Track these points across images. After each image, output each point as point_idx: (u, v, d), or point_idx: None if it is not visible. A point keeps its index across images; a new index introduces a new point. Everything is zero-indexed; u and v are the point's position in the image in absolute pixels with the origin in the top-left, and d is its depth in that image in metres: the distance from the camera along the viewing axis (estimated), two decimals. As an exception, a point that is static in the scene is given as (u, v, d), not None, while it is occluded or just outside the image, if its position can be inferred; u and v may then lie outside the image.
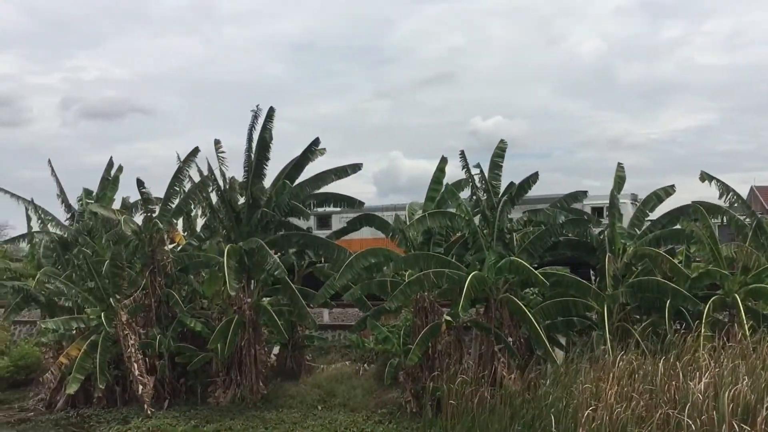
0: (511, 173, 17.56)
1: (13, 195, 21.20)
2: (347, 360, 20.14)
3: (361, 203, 19.48)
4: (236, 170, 18.81)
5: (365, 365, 19.55)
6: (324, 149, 18.84)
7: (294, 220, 19.48)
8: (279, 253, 18.20)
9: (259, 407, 17.51)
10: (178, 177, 19.60)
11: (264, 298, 18.65)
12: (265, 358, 18.73)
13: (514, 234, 17.29)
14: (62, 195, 21.60)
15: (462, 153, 17.03)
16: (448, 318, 16.25)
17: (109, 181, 21.50)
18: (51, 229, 20.96)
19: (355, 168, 18.88)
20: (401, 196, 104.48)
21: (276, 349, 20.20)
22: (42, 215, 21.28)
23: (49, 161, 21.39)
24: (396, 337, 17.75)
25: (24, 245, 24.09)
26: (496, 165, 17.55)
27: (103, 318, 18.24)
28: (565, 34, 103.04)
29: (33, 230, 21.23)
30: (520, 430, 13.30)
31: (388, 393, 17.74)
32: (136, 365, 17.89)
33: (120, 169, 21.69)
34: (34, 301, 20.36)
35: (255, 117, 18.20)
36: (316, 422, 16.28)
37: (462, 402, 14.45)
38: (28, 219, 21.05)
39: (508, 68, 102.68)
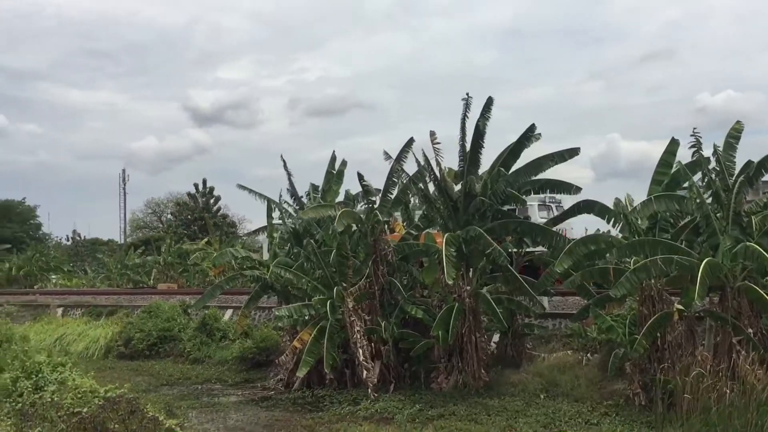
0: (746, 152, 16.12)
1: (260, 195, 22.95)
2: (569, 349, 19.66)
3: (579, 189, 18.88)
4: (451, 160, 19.13)
5: (588, 355, 18.98)
6: (539, 134, 18.46)
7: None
8: (497, 241, 18.18)
9: (482, 394, 17.63)
10: (395, 169, 20.27)
11: (483, 287, 18.76)
12: (486, 345, 18.82)
13: (752, 217, 15.89)
14: (293, 189, 23.14)
15: (694, 132, 15.99)
16: (680, 307, 15.31)
17: (334, 174, 22.68)
18: (287, 221, 22.47)
19: (573, 152, 18.32)
20: (620, 180, 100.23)
21: (496, 337, 20.25)
22: (281, 210, 22.83)
23: (282, 157, 22.97)
24: (621, 326, 17.03)
25: (261, 237, 26.18)
26: (730, 146, 16.17)
27: (329, 305, 19.29)
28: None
29: (273, 223, 22.77)
30: None
31: (613, 384, 17.09)
32: (361, 350, 18.73)
33: (344, 163, 22.81)
34: (271, 288, 22.19)
35: (466, 106, 18.31)
36: (539, 411, 16.05)
37: (698, 396, 13.57)
38: (269, 213, 22.66)
39: (736, 39, 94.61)
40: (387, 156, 20.05)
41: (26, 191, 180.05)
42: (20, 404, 12.63)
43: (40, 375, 14.10)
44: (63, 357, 17.22)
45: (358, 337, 18.84)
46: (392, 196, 20.64)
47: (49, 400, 12.25)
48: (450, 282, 17.09)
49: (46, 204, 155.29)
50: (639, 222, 16.88)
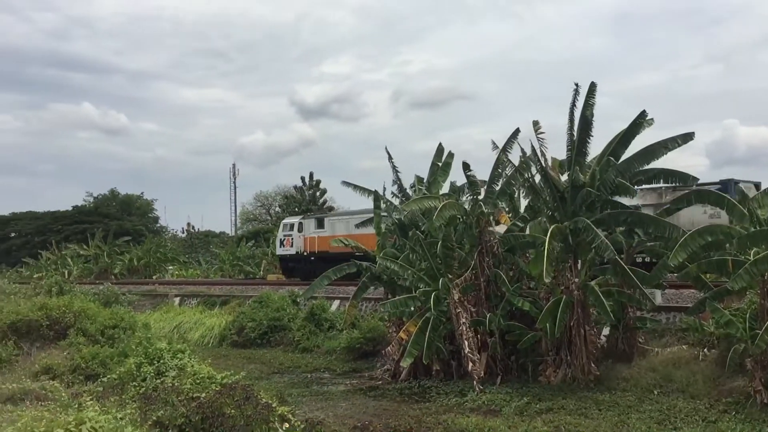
0: None
1: (364, 190, 23.24)
2: (684, 344, 18.91)
3: (695, 179, 18.06)
4: (556, 150, 18.76)
5: (705, 350, 18.18)
6: (652, 120, 17.79)
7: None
8: (606, 232, 17.70)
9: (591, 388, 17.24)
10: (500, 160, 20.07)
11: (592, 279, 18.32)
12: (595, 339, 18.38)
13: None
14: (398, 181, 23.29)
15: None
16: (806, 301, 14.46)
17: (439, 166, 22.68)
18: (392, 214, 22.66)
19: (687, 137, 17.48)
20: (739, 167, 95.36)
21: (606, 330, 19.73)
22: (387, 203, 23.03)
23: (386, 149, 23.12)
24: (740, 321, 16.24)
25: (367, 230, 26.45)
26: None
27: (434, 297, 19.33)
28: None
29: (380, 215, 22.98)
30: None
31: (732, 381, 16.30)
32: (466, 342, 18.69)
33: (451, 155, 22.73)
34: (377, 280, 22.48)
35: (575, 94, 17.87)
36: (652, 407, 15.53)
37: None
38: (376, 205, 22.90)
39: None
40: (494, 146, 19.92)
41: (144, 186, 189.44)
42: (144, 388, 13.34)
43: (161, 361, 14.82)
44: (181, 344, 18.05)
45: (464, 328, 18.81)
46: (497, 187, 20.45)
47: (170, 384, 12.85)
48: (547, 280, 16.81)
49: (162, 198, 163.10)
50: (760, 212, 16.02)
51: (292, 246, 41.01)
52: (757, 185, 26.88)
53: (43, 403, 12.80)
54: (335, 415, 16.52)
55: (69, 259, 61.20)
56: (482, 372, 18.71)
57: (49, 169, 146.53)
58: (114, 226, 70.52)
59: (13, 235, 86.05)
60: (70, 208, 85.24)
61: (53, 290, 32.42)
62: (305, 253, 39.80)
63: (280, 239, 42.22)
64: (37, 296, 28.99)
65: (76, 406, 10.81)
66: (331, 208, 72.97)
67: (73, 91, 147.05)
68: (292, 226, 41.32)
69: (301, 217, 43.39)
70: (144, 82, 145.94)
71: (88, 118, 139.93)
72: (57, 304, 21.87)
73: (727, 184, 25.23)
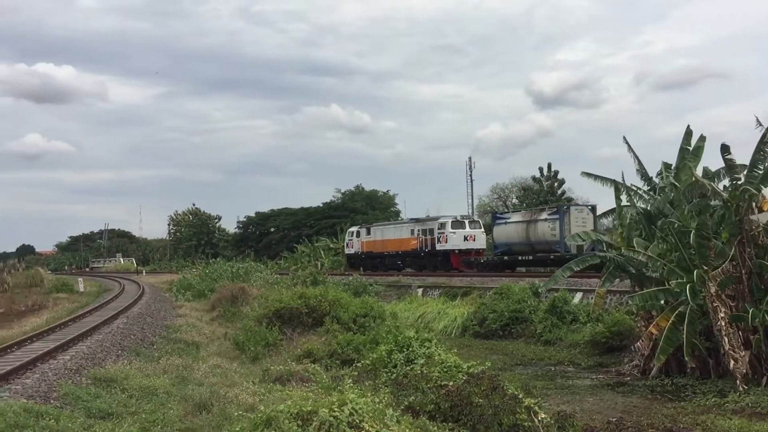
0: None
1: (597, 177, 22.59)
2: None
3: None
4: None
5: None
6: None
7: None
8: None
9: None
10: (763, 141, 18.29)
11: None
12: None
13: None
14: (641, 169, 22.20)
15: None
16: None
17: (689, 151, 21.24)
18: (637, 203, 21.69)
19: None
20: None
21: None
22: (629, 191, 22.11)
23: (624, 138, 22.19)
24: None
25: (608, 221, 25.61)
26: None
27: (689, 289, 18.14)
28: None
29: (622, 205, 22.18)
30: None
31: None
32: (726, 339, 17.29)
33: (702, 138, 21.20)
34: (623, 271, 21.54)
35: None
36: None
37: None
38: (617, 195, 22.12)
39: None
40: (758, 124, 18.23)
41: (386, 182, 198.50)
42: (395, 374, 14.01)
43: (410, 349, 15.44)
44: (427, 333, 18.68)
45: (723, 324, 17.42)
46: (760, 171, 18.63)
47: (419, 372, 13.37)
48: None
49: (402, 192, 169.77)
50: None
51: (353, 248, 58.16)
52: (593, 208, 37.53)
53: (306, 384, 13.96)
54: (582, 409, 16.12)
55: (321, 252, 65.90)
56: (744, 371, 17.23)
57: (302, 168, 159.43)
58: (360, 220, 74.65)
59: (272, 230, 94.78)
60: (321, 205, 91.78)
61: (308, 281, 35.15)
62: (360, 253, 56.96)
63: (346, 242, 59.78)
64: (295, 286, 31.58)
65: (338, 388, 11.61)
66: (569, 200, 71.36)
67: (322, 94, 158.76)
68: (353, 233, 59.01)
69: (358, 227, 60.32)
70: (384, 81, 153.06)
71: (336, 119, 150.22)
72: (314, 293, 23.69)
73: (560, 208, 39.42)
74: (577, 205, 45.48)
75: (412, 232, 51.90)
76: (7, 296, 47.43)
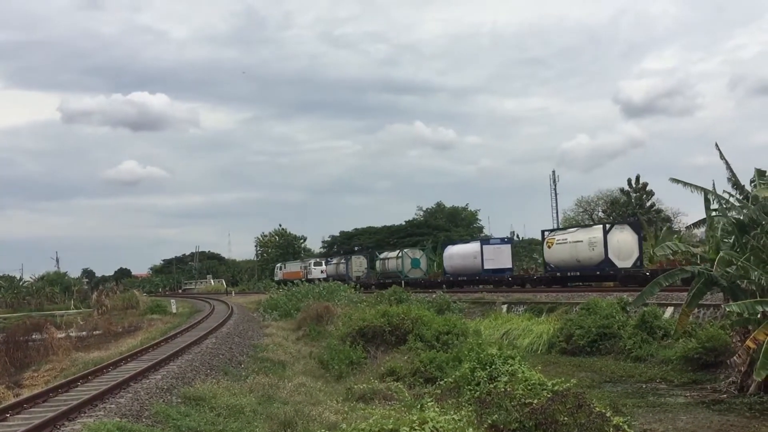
0: None
1: (686, 184, 21.88)
2: None
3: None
4: None
5: None
6: None
7: None
8: None
9: None
10: None
11: None
12: None
13: None
14: (734, 178, 21.36)
15: None
16: None
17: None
18: (729, 213, 20.87)
19: None
20: None
21: None
22: (721, 201, 21.32)
23: (716, 145, 21.36)
24: None
25: (698, 231, 24.66)
26: None
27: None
28: None
29: (712, 215, 21.41)
30: None
31: None
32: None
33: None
34: (715, 284, 20.66)
35: None
36: None
37: None
38: (707, 205, 21.36)
39: None
40: None
41: (469, 197, 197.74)
42: (478, 392, 13.90)
43: (493, 366, 15.30)
44: (511, 350, 18.44)
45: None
46: None
47: (503, 390, 13.23)
48: None
49: (486, 207, 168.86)
50: None
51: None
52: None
53: (389, 403, 14.02)
54: (675, 428, 15.57)
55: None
56: None
57: (385, 186, 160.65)
58: (442, 237, 74.49)
59: (356, 248, 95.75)
60: (403, 223, 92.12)
61: (392, 299, 35.25)
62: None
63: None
64: (379, 304, 31.75)
65: (419, 406, 11.61)
66: (659, 212, 69.26)
67: (404, 111, 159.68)
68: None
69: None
70: (467, 97, 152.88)
71: (420, 136, 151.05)
72: (397, 311, 23.77)
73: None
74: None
75: None
76: (106, 318, 49.71)
